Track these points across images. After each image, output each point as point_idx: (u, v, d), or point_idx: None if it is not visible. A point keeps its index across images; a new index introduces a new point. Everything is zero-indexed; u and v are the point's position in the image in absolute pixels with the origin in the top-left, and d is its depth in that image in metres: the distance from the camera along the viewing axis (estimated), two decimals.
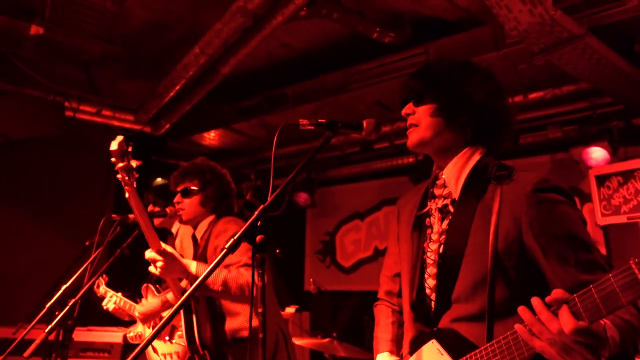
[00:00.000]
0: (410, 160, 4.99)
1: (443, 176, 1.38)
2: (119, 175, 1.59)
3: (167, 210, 2.45)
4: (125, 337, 3.33)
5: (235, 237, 1.12)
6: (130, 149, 1.57)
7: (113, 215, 2.45)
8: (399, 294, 1.52)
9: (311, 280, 4.64)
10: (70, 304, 1.89)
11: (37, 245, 4.52)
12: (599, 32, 2.87)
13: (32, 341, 1.92)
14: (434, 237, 1.34)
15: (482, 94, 1.32)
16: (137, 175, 1.61)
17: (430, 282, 1.32)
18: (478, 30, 3.45)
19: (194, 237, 2.42)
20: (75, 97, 4.15)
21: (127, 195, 1.64)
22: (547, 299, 1.00)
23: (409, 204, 1.50)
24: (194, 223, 2.43)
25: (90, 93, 4.29)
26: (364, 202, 5.88)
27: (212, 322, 2.13)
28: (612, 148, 3.61)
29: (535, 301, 1.01)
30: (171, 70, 3.78)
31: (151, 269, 1.83)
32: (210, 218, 2.41)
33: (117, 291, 3.05)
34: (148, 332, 2.96)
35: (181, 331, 2.76)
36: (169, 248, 1.82)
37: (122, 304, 3.01)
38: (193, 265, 1.85)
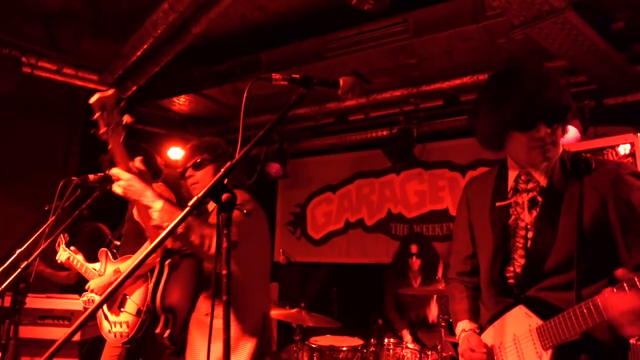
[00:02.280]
0: (385, 133, 4.95)
1: (528, 173, 1.56)
2: (93, 130, 1.53)
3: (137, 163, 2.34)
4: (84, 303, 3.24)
5: (200, 195, 1.04)
6: (122, 105, 1.56)
7: (73, 178, 2.33)
8: (470, 273, 1.73)
9: (281, 250, 4.60)
10: (22, 266, 1.78)
11: None
12: (579, 8, 2.85)
13: None
14: (522, 224, 1.53)
15: (569, 95, 1.52)
16: (123, 132, 1.62)
17: (520, 260, 1.52)
18: (458, 2, 3.39)
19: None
20: (33, 52, 3.88)
21: (110, 146, 1.64)
22: (618, 274, 1.26)
23: (480, 194, 1.69)
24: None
25: (54, 50, 4.04)
26: (336, 174, 5.84)
27: (188, 290, 2.06)
28: (583, 127, 3.66)
29: (621, 272, 1.26)
30: (136, 29, 3.57)
31: (115, 187, 1.71)
32: None
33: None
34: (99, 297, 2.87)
35: (132, 300, 2.69)
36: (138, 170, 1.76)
37: (80, 267, 2.92)
38: (158, 201, 1.69)
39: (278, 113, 1.24)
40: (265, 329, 2.09)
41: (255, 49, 4.27)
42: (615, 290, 1.24)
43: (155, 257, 2.54)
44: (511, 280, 1.52)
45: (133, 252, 2.80)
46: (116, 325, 2.68)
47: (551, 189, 1.51)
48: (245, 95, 1.22)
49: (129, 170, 1.72)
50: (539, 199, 1.52)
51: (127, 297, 2.69)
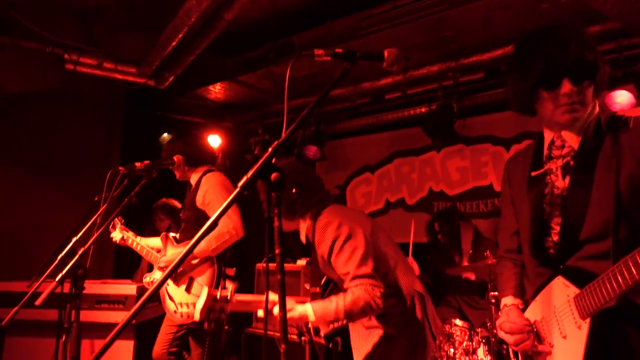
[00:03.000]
0: (423, 110, 4.83)
1: (562, 137, 1.47)
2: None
3: (175, 159, 2.40)
4: (138, 288, 3.37)
5: (248, 175, 1.03)
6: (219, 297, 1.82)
7: (119, 168, 2.40)
8: (518, 250, 1.66)
9: None
10: (79, 253, 1.86)
11: (47, 203, 4.53)
12: None
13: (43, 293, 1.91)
14: (558, 192, 1.45)
15: (601, 56, 1.40)
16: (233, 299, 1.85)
17: (556, 228, 1.44)
18: None
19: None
20: (74, 49, 4.00)
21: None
22: None
23: (519, 166, 1.62)
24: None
25: (90, 46, 4.14)
26: (374, 154, 5.77)
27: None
28: (639, 91, 3.44)
29: None
30: (171, 19, 3.60)
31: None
32: (307, 221, 2.23)
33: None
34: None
35: (198, 283, 2.78)
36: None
37: (141, 250, 3.08)
38: (309, 313, 1.93)
39: (320, 92, 1.21)
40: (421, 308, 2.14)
41: (287, 32, 4.23)
42: None
43: (215, 248, 2.74)
44: (551, 251, 1.46)
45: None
46: (182, 305, 2.81)
47: (583, 151, 1.42)
48: (288, 74, 1.20)
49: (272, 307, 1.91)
50: (572, 163, 1.44)
51: (194, 279, 2.80)
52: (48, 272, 2.04)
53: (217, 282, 2.86)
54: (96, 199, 2.49)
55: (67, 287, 2.00)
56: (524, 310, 1.58)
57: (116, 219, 3.18)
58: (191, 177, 3.03)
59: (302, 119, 1.13)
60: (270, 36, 4.32)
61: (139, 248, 3.12)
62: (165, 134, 5.10)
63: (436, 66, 4.29)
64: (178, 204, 4.24)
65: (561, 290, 1.39)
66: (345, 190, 6.06)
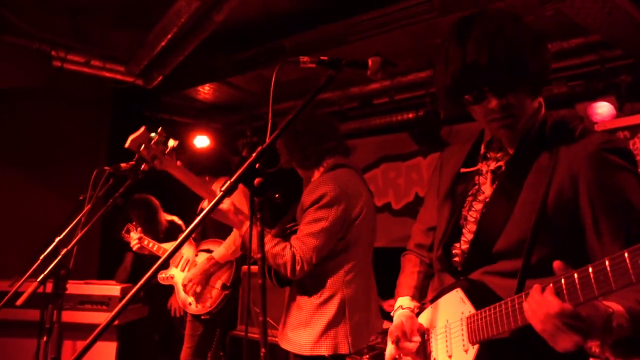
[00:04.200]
0: (410, 116, 4.88)
1: (501, 140, 1.29)
2: (142, 168, 1.62)
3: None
4: (121, 289, 3.36)
5: (232, 180, 1.05)
6: (159, 132, 1.68)
7: (105, 167, 2.39)
8: (430, 248, 1.49)
9: None
10: (62, 253, 1.85)
11: (31, 202, 4.48)
12: None
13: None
14: (481, 197, 1.29)
15: (546, 54, 1.21)
16: (174, 156, 1.74)
17: (468, 236, 1.28)
18: None
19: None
20: (62, 46, 3.97)
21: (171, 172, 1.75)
22: (554, 265, 0.97)
23: (453, 159, 1.45)
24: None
25: (79, 43, 4.12)
26: (362, 159, 5.80)
27: None
28: (619, 103, 3.53)
29: (535, 285, 0.98)
30: (161, 19, 3.60)
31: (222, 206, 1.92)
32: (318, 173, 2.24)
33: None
34: (178, 273, 3.05)
35: (216, 276, 3.01)
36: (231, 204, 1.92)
37: (158, 250, 3.17)
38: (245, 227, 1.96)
39: (306, 97, 1.23)
40: (346, 308, 2.11)
41: (277, 35, 4.26)
42: (542, 289, 0.97)
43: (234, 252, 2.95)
44: (456, 258, 1.30)
45: (216, 236, 3.13)
46: (200, 297, 2.99)
47: (517, 158, 1.24)
48: (273, 79, 1.22)
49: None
50: (504, 169, 1.27)
51: (213, 273, 3.02)
52: (30, 271, 2.02)
53: (233, 280, 3.06)
54: (81, 198, 2.47)
55: (49, 287, 1.99)
56: (418, 314, 1.42)
57: (131, 225, 3.30)
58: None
59: (286, 124, 1.14)
60: (260, 39, 4.34)
61: (155, 248, 3.22)
62: (152, 134, 5.06)
63: (424, 72, 4.34)
64: (152, 197, 4.21)
65: (457, 305, 1.24)
66: None
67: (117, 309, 0.94)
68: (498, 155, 1.30)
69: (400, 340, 1.34)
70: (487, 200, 1.26)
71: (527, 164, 1.20)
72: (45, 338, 1.99)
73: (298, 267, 1.93)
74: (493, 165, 1.30)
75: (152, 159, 1.63)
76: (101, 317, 3.30)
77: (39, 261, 2.05)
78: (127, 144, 1.56)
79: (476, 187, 1.32)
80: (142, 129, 1.63)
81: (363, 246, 2.16)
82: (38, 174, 4.58)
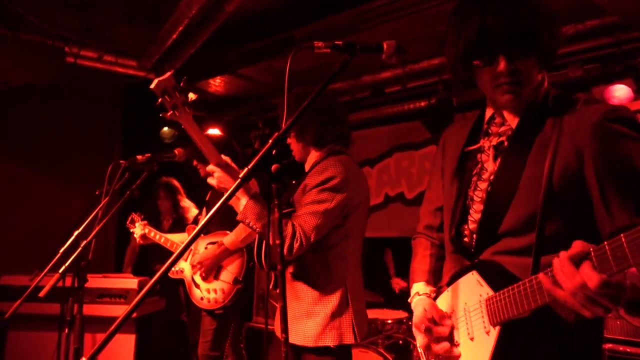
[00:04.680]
0: (422, 104, 4.83)
1: (503, 114, 1.28)
2: (161, 114, 1.60)
3: (175, 152, 2.41)
4: (139, 282, 3.40)
5: (249, 167, 1.04)
6: (182, 84, 1.58)
7: (121, 161, 2.41)
8: (439, 228, 1.48)
9: None
10: (82, 245, 1.87)
11: (48, 197, 4.54)
12: None
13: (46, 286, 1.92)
14: (485, 175, 1.28)
15: (558, 30, 1.19)
16: (190, 111, 1.64)
17: (475, 216, 1.27)
18: None
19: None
20: (75, 42, 4.00)
21: (182, 126, 1.67)
22: (569, 251, 0.95)
23: (455, 137, 1.43)
24: (304, 161, 2.30)
25: (90, 38, 4.14)
26: (374, 148, 5.78)
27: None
28: (637, 86, 3.45)
29: (561, 255, 0.96)
30: (171, 13, 3.60)
31: (210, 180, 1.83)
32: (316, 153, 2.22)
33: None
34: (188, 266, 3.08)
35: (228, 271, 2.89)
36: (230, 163, 1.81)
37: (165, 242, 3.17)
38: (244, 198, 1.83)
39: (320, 82, 1.22)
40: (351, 301, 2.07)
41: (287, 25, 4.23)
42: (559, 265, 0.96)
43: (244, 239, 2.88)
44: (466, 239, 1.29)
45: (221, 228, 3.09)
46: (210, 292, 2.91)
47: (520, 132, 1.23)
48: (288, 65, 1.21)
49: (219, 165, 1.79)
50: (506, 144, 1.26)
51: (223, 267, 2.96)
52: (50, 265, 2.05)
53: (245, 272, 3.03)
54: (97, 192, 2.50)
55: (68, 281, 2.02)
56: (435, 299, 1.42)
57: (135, 215, 3.30)
58: None
59: (301, 112, 1.14)
60: (271, 29, 4.32)
61: (163, 240, 3.22)
62: (165, 128, 5.11)
63: (436, 59, 4.29)
64: (178, 184, 4.30)
65: (474, 287, 1.24)
66: None
67: (134, 302, 0.94)
68: (500, 130, 1.28)
69: (431, 328, 1.33)
70: (491, 178, 1.26)
71: (530, 138, 1.20)
72: (66, 331, 2.03)
73: (297, 245, 1.86)
74: (495, 140, 1.29)
75: (173, 108, 1.58)
76: (119, 310, 3.35)
77: (58, 255, 2.08)
78: (152, 85, 1.52)
79: (479, 165, 1.31)
80: (169, 73, 1.57)
81: (359, 236, 2.15)
82: (52, 169, 4.64)
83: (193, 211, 4.21)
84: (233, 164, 1.82)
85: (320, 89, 1.21)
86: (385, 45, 1.24)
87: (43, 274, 2.07)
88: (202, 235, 3.12)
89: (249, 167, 1.04)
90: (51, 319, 2.97)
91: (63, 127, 4.68)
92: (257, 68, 4.62)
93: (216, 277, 2.98)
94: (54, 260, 2.06)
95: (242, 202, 1.81)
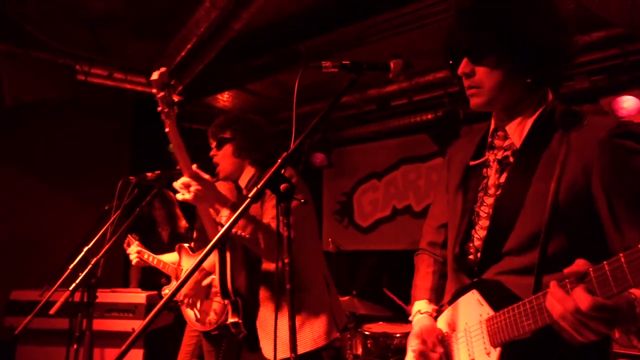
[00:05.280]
0: (429, 117, 4.85)
1: (506, 128, 1.26)
2: (159, 108, 1.56)
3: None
4: (147, 297, 3.40)
5: (258, 186, 1.05)
6: (172, 82, 1.54)
7: (130, 177, 2.43)
8: (443, 245, 1.46)
9: (329, 240, 4.63)
10: (92, 262, 1.88)
11: (58, 212, 4.58)
12: None
13: (57, 302, 1.93)
14: (491, 190, 1.26)
15: (547, 32, 1.14)
16: (177, 111, 1.59)
17: (481, 233, 1.25)
18: None
19: (237, 187, 2.34)
20: (85, 60, 4.06)
21: (166, 129, 1.63)
22: (567, 270, 0.94)
23: (461, 152, 1.41)
24: (233, 177, 2.31)
25: (100, 55, 4.21)
26: (381, 161, 5.79)
27: (248, 269, 2.10)
28: None
29: (552, 281, 0.96)
30: (179, 29, 3.66)
31: (179, 195, 1.78)
32: (252, 170, 2.27)
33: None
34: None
35: (217, 288, 2.82)
36: (205, 175, 1.77)
37: (158, 263, 3.11)
38: (225, 210, 1.79)
39: (326, 101, 1.24)
40: (330, 290, 2.14)
41: (293, 40, 4.27)
42: (558, 285, 0.94)
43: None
44: (471, 257, 1.26)
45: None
46: (203, 313, 2.84)
47: (526, 148, 1.20)
48: (297, 86, 1.22)
49: (194, 177, 1.75)
50: (511, 159, 1.23)
51: (213, 286, 2.84)
52: (60, 281, 2.06)
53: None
54: (107, 207, 2.52)
55: (78, 296, 2.03)
56: (436, 317, 1.40)
57: (130, 237, 3.24)
58: None
59: (310, 131, 1.15)
60: (276, 44, 4.37)
61: (155, 262, 3.15)
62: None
63: (442, 72, 4.31)
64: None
65: (475, 307, 1.21)
66: (352, 197, 6.08)
67: (144, 323, 0.95)
68: (505, 144, 1.26)
69: (424, 352, 1.31)
70: (497, 193, 1.23)
71: (537, 154, 1.17)
72: (75, 346, 2.03)
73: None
74: (500, 154, 1.26)
75: (168, 105, 1.54)
76: (128, 325, 3.35)
77: (68, 270, 2.09)
78: (154, 77, 1.49)
79: (485, 180, 1.28)
80: (165, 69, 1.53)
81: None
82: (62, 184, 4.68)
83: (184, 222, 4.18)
84: (205, 175, 1.77)
85: (329, 107, 1.23)
86: (392, 64, 1.25)
87: (53, 289, 2.08)
88: (190, 253, 3.03)
89: (259, 186, 1.05)
90: (60, 334, 2.98)
91: (72, 142, 4.73)
92: (263, 83, 4.67)
93: (208, 298, 2.84)
94: (64, 276, 2.07)
95: (223, 214, 1.78)
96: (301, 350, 1.96)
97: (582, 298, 0.89)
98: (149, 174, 2.27)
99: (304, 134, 1.12)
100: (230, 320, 2.07)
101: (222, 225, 1.73)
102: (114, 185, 2.40)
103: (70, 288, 1.86)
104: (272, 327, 2.02)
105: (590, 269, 0.90)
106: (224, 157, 2.24)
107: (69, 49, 3.99)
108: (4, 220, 4.22)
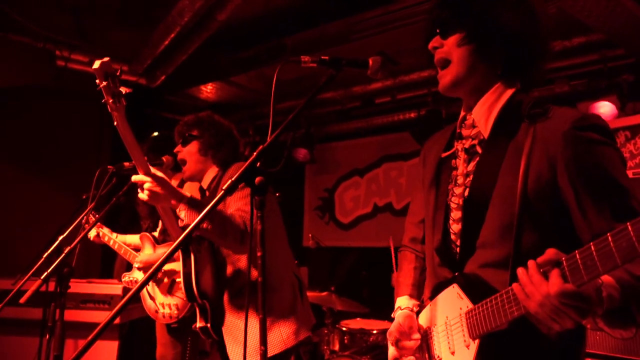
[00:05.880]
0: (412, 115, 4.88)
1: (472, 116, 1.28)
2: (104, 100, 1.49)
3: (163, 159, 2.39)
4: (123, 289, 3.36)
5: (233, 178, 1.05)
6: (118, 73, 1.48)
7: (108, 167, 2.40)
8: (423, 241, 1.47)
9: (310, 235, 4.64)
10: (65, 251, 1.86)
11: (35, 200, 4.50)
12: None
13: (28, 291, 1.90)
14: (460, 179, 1.27)
15: (515, 18, 1.19)
16: (125, 103, 1.53)
17: (455, 227, 1.26)
18: None
19: (200, 189, 2.34)
20: (66, 45, 3.98)
21: (115, 122, 1.56)
22: (540, 259, 0.96)
23: (435, 146, 1.43)
24: (198, 176, 2.33)
25: (82, 42, 4.13)
26: (363, 158, 5.81)
27: (214, 271, 2.08)
28: (621, 103, 3.52)
29: (529, 263, 0.97)
30: (163, 18, 3.61)
31: (140, 195, 1.72)
32: (215, 168, 2.30)
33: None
34: (142, 275, 2.98)
35: (180, 287, 2.77)
36: (159, 172, 1.71)
37: (119, 248, 3.03)
38: (183, 203, 1.73)
39: (307, 96, 1.24)
40: (302, 288, 2.14)
41: (279, 33, 4.26)
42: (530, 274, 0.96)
43: None
44: (452, 250, 1.27)
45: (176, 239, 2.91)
46: (165, 307, 2.79)
47: (493, 138, 1.22)
48: (275, 79, 1.22)
49: (148, 174, 1.68)
50: (479, 149, 1.25)
51: (177, 280, 2.79)
52: (33, 270, 2.03)
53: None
54: (84, 196, 2.49)
55: (52, 286, 2.00)
56: (418, 312, 1.42)
57: (90, 215, 3.10)
58: (171, 181, 3.00)
59: (287, 124, 1.15)
60: (262, 37, 4.34)
61: (116, 246, 3.05)
62: (155, 133, 5.08)
63: (426, 72, 4.34)
64: None
65: (455, 300, 1.23)
66: (334, 194, 6.10)
67: (114, 311, 0.94)
68: (472, 133, 1.28)
69: (400, 340, 1.34)
70: (465, 183, 1.25)
71: (504, 145, 1.19)
72: (47, 336, 2.00)
73: (246, 234, 1.80)
74: (468, 143, 1.28)
75: (113, 96, 1.47)
76: (103, 316, 3.30)
77: (42, 259, 2.06)
78: (96, 66, 1.41)
79: (454, 171, 1.30)
80: (108, 58, 1.45)
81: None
82: (41, 172, 4.60)
83: None
84: (161, 173, 1.71)
85: (306, 102, 1.23)
86: (370, 61, 1.26)
87: (26, 278, 2.04)
88: (156, 245, 2.95)
89: (233, 179, 1.05)
90: (33, 324, 2.93)
91: (51, 129, 4.65)
92: (248, 75, 4.64)
93: (170, 293, 2.79)
94: (37, 264, 2.04)
95: (181, 208, 1.72)
96: (270, 352, 1.94)
97: (554, 283, 0.91)
98: (126, 164, 2.25)
99: (280, 128, 1.12)
100: (199, 325, 2.05)
101: (183, 221, 1.70)
102: (94, 175, 2.37)
103: (42, 277, 1.83)
104: (239, 331, 2.01)
105: (563, 258, 0.92)
106: (189, 154, 2.27)
107: (50, 34, 3.90)
108: None
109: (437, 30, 1.26)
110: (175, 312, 2.72)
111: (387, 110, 5.08)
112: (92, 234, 3.09)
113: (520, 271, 0.98)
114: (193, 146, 2.26)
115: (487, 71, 1.23)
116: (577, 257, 0.90)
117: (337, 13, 3.94)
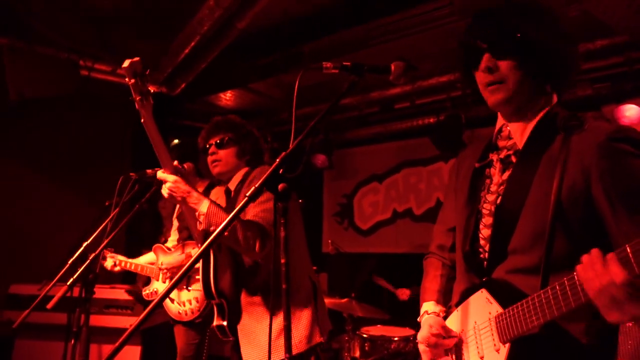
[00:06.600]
0: (431, 120, 4.84)
1: (509, 128, 1.32)
2: (131, 97, 1.54)
3: (185, 166, 2.42)
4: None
5: (257, 185, 1.06)
6: (147, 72, 1.53)
7: (131, 174, 2.44)
8: (451, 249, 1.50)
9: (329, 241, 4.63)
10: (90, 258, 1.89)
11: (58, 206, 4.59)
12: None
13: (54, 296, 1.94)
14: (493, 188, 1.31)
15: (558, 40, 1.22)
16: (152, 102, 1.58)
17: (485, 233, 1.29)
18: None
19: (227, 190, 2.36)
20: (89, 56, 4.07)
21: (141, 119, 1.60)
22: (584, 257, 0.97)
23: (469, 156, 1.47)
24: (228, 176, 2.34)
25: (105, 52, 4.22)
26: (382, 164, 5.79)
27: (233, 271, 2.09)
28: None
29: (593, 251, 0.97)
30: (183, 27, 3.67)
31: (163, 191, 1.78)
32: (245, 170, 2.32)
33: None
34: (163, 287, 3.03)
35: (197, 279, 2.82)
36: (182, 172, 1.77)
37: (136, 268, 3.10)
38: (204, 202, 1.77)
39: (328, 102, 1.24)
40: (317, 293, 2.13)
41: (297, 41, 4.28)
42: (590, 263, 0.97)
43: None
44: (480, 255, 1.29)
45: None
46: (185, 304, 2.85)
47: (528, 148, 1.25)
48: (297, 86, 1.22)
49: (174, 170, 1.75)
50: (513, 159, 1.29)
51: (193, 277, 2.86)
52: (59, 276, 2.07)
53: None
54: (107, 203, 2.52)
55: (76, 291, 2.03)
56: (445, 318, 1.43)
57: (105, 251, 3.16)
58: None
59: (309, 131, 1.15)
60: (281, 44, 4.37)
61: (133, 267, 3.14)
62: (175, 140, 5.15)
63: (445, 77, 4.31)
64: None
65: (483, 305, 1.24)
66: (352, 199, 6.08)
67: (138, 320, 0.95)
68: (508, 143, 1.31)
69: (436, 342, 1.36)
70: (499, 190, 1.28)
71: (538, 155, 1.22)
72: (72, 341, 2.04)
73: (267, 240, 1.82)
74: (503, 154, 1.31)
75: (141, 94, 1.52)
76: (126, 321, 3.35)
77: (67, 266, 2.10)
78: (125, 64, 1.46)
79: (488, 180, 1.34)
80: (138, 59, 1.51)
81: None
82: (64, 180, 4.69)
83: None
84: (190, 173, 1.77)
85: (328, 108, 1.23)
86: (393, 67, 1.25)
87: (52, 284, 2.09)
88: (166, 251, 3.06)
89: (257, 186, 1.06)
90: (58, 328, 2.98)
91: (75, 138, 4.75)
92: (266, 82, 4.68)
93: (187, 288, 2.90)
94: (63, 271, 2.08)
95: (202, 209, 1.75)
96: (280, 356, 1.91)
97: (616, 272, 0.91)
98: (149, 171, 2.28)
99: (303, 134, 1.12)
100: (216, 323, 2.06)
101: (201, 224, 1.74)
102: (116, 182, 2.41)
103: (68, 283, 1.86)
104: (252, 333, 2.02)
105: (627, 245, 0.91)
106: (226, 156, 2.27)
107: (74, 45, 4.00)
108: (5, 214, 4.23)
109: (487, 50, 1.25)
110: (197, 305, 2.81)
111: (405, 115, 5.05)
112: (109, 265, 3.14)
113: (584, 257, 0.98)
114: (231, 151, 2.28)
115: (534, 90, 1.26)
116: (628, 250, 0.90)
117: (355, 19, 3.95)
